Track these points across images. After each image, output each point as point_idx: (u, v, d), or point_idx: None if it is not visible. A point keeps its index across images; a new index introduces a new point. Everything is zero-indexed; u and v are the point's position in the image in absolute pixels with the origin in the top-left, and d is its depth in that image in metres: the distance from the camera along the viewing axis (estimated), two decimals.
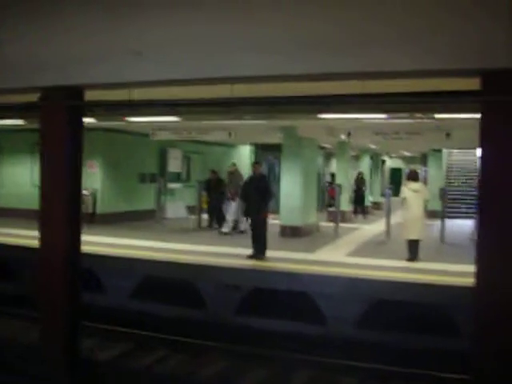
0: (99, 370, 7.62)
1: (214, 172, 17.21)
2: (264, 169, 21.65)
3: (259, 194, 11.33)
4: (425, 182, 24.01)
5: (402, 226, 11.76)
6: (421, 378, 7.24)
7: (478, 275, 5.04)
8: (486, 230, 5.04)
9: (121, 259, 11.15)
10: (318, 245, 13.53)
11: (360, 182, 23.08)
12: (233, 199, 15.60)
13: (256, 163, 12.33)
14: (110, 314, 9.81)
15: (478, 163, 5.13)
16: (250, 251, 11.41)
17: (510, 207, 4.87)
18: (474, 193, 17.87)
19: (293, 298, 9.63)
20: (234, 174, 16.38)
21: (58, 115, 6.60)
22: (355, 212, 22.20)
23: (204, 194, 17.26)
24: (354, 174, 23.43)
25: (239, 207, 14.91)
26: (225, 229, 15.52)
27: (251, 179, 11.95)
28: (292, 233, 14.84)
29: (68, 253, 6.68)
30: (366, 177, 24.58)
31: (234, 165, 17.03)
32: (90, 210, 16.50)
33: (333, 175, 21.66)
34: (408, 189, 11.47)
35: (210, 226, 16.72)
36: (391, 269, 10.42)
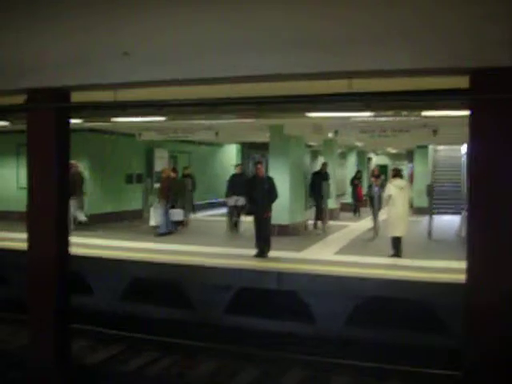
0: (90, 373, 7.60)
1: (174, 170, 16.57)
2: (251, 168, 21.66)
3: (266, 195, 11.44)
4: (411, 178, 24.12)
5: (387, 222, 11.80)
6: (412, 374, 7.26)
7: (469, 272, 5.06)
8: (477, 227, 5.06)
9: (110, 261, 11.09)
10: (307, 243, 13.53)
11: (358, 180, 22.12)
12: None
13: (258, 163, 12.26)
14: (100, 316, 9.82)
15: (463, 159, 5.16)
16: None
17: (500, 203, 4.90)
18: (460, 189, 17.89)
19: (282, 296, 9.64)
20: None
21: (45, 117, 6.55)
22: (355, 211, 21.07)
23: None
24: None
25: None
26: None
27: (254, 179, 12.00)
28: (280, 232, 14.78)
29: (56, 255, 6.64)
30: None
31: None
32: None
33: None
34: (393, 186, 11.45)
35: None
36: (378, 266, 10.45)
